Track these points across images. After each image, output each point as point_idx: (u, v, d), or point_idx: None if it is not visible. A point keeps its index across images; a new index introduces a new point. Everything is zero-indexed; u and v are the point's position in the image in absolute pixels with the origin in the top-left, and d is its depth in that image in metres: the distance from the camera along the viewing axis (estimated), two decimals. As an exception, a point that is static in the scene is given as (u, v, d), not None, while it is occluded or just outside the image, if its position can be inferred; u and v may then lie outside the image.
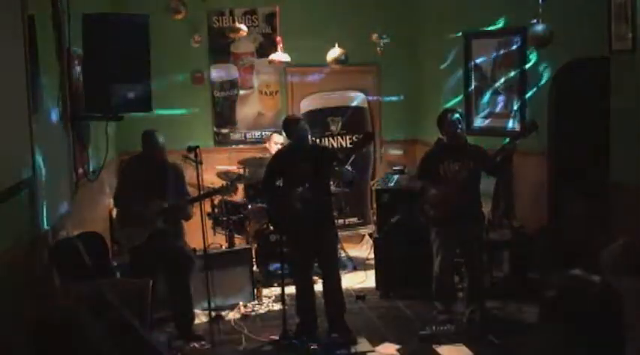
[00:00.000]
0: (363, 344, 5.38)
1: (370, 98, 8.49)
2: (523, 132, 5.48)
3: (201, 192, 5.36)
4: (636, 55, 4.97)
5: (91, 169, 5.82)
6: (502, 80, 7.09)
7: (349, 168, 5.33)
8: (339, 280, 5.61)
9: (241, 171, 7.34)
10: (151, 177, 5.39)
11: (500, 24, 7.08)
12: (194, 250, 5.64)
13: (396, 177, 6.90)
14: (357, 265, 7.48)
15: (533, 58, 6.71)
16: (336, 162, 5.24)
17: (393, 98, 8.59)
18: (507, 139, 5.64)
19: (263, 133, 8.27)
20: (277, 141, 7.40)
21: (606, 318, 3.25)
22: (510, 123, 7.00)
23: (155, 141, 5.40)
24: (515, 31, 6.84)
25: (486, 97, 7.30)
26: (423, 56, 8.40)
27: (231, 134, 8.41)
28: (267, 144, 7.61)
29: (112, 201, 6.16)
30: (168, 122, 7.38)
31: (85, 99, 5.31)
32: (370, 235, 7.85)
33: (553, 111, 6.61)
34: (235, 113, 8.38)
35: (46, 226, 4.27)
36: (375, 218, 7.06)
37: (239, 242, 6.82)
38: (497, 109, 7.19)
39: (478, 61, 7.36)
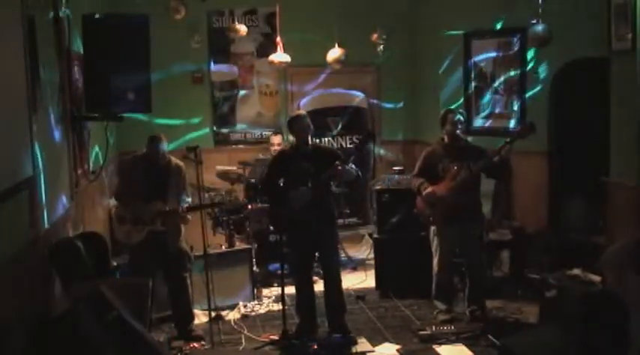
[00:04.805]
0: (363, 344, 5.37)
1: (371, 101, 8.53)
2: (520, 134, 5.44)
3: (202, 202, 5.41)
4: (636, 55, 4.97)
5: (91, 169, 5.82)
6: (502, 80, 7.10)
7: (352, 165, 5.32)
8: (339, 280, 5.60)
9: (241, 171, 7.34)
10: (152, 177, 5.38)
11: (500, 24, 7.08)
12: (191, 248, 5.63)
13: (395, 177, 6.90)
14: (357, 265, 7.49)
15: (533, 58, 6.71)
16: (338, 162, 5.22)
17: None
18: (505, 140, 5.62)
19: (263, 133, 8.29)
20: (274, 142, 7.43)
21: (606, 318, 3.24)
22: (510, 124, 7.01)
23: (159, 149, 5.39)
24: (515, 31, 6.85)
25: (486, 97, 7.31)
26: (422, 56, 8.40)
27: (231, 134, 8.42)
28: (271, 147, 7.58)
29: (112, 200, 6.15)
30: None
31: (85, 99, 5.31)
32: (370, 235, 7.84)
33: (553, 111, 6.61)
34: (235, 113, 8.40)
35: (46, 226, 4.26)
36: (375, 218, 7.06)
37: (239, 242, 6.82)
38: (497, 109, 7.19)
39: (478, 61, 7.37)
